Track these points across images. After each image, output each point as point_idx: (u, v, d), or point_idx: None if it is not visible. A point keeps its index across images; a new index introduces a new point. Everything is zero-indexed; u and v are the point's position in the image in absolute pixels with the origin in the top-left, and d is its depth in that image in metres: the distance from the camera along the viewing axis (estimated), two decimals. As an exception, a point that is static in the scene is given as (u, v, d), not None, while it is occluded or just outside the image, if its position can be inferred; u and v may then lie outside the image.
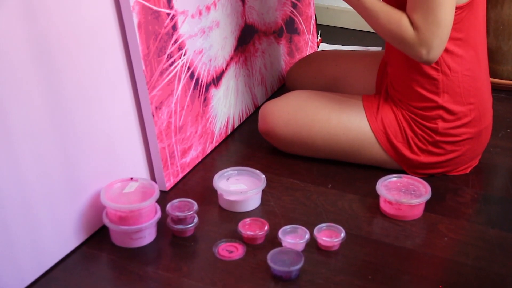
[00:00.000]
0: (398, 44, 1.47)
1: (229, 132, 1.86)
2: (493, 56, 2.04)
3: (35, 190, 1.29)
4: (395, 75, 1.62)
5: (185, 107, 1.63)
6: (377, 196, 1.54)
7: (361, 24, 2.11)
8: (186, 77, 1.62)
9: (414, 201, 1.49)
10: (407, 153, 1.60)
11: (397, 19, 1.44)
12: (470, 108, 1.56)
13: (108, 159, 1.47)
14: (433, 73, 1.53)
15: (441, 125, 1.56)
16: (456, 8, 1.43)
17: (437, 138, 1.57)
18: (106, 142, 1.46)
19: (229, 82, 1.82)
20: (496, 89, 2.00)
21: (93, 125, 1.42)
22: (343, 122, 1.64)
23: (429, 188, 1.52)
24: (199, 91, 1.68)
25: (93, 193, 1.44)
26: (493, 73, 1.95)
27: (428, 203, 1.52)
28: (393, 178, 1.56)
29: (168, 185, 1.61)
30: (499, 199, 1.60)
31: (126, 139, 1.52)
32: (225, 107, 1.81)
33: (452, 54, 1.51)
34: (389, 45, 1.60)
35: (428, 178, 1.62)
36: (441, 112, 1.56)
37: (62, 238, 1.38)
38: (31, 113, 1.26)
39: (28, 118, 1.25)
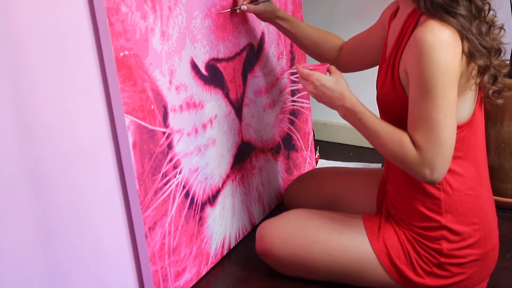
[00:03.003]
0: (400, 164, 1.44)
1: (225, 252, 1.80)
2: (495, 174, 2.01)
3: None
4: (395, 193, 1.59)
5: (180, 227, 1.58)
6: (381, 323, 1.46)
7: (360, 140, 2.10)
8: (181, 196, 1.58)
9: (421, 328, 1.41)
10: (411, 275, 1.54)
11: (399, 139, 1.42)
12: (474, 228, 1.52)
13: (97, 282, 1.43)
14: (434, 192, 1.50)
15: (445, 246, 1.51)
16: (457, 127, 1.42)
17: (442, 259, 1.51)
18: (96, 264, 1.41)
19: (225, 200, 1.78)
20: (500, 208, 1.95)
21: (83, 246, 1.38)
22: (343, 243, 1.59)
23: (436, 314, 1.45)
24: (194, 210, 1.64)
25: (79, 321, 1.37)
26: (496, 192, 1.91)
27: (435, 331, 1.44)
28: (398, 303, 1.49)
29: (160, 311, 1.53)
30: (511, 326, 1.52)
31: (117, 261, 1.47)
32: (221, 226, 1.77)
33: (453, 173, 1.48)
34: (389, 163, 1.58)
35: (434, 302, 1.54)
36: (444, 233, 1.51)
37: None
38: (20, 235, 1.23)
39: (17, 239, 1.22)
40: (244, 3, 1.75)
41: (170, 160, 1.54)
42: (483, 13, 1.40)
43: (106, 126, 1.42)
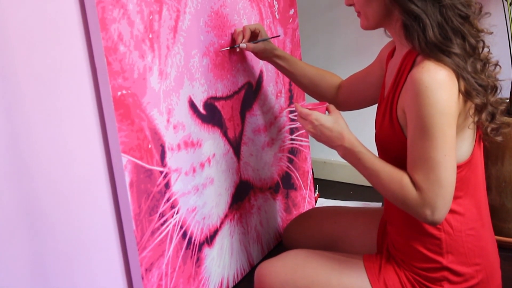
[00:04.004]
0: (401, 204, 1.43)
1: (223, 294, 1.77)
2: (497, 213, 1.99)
3: None
4: (396, 234, 1.57)
5: (177, 268, 1.56)
6: None
7: (359, 178, 2.08)
8: (178, 237, 1.56)
9: None
10: (412, 317, 1.51)
11: (399, 179, 1.41)
12: (476, 269, 1.50)
13: (91, 326, 1.38)
14: (435, 232, 1.48)
15: (447, 287, 1.48)
16: (456, 167, 1.40)
17: (444, 301, 1.49)
18: (91, 307, 1.38)
19: (224, 240, 1.76)
20: (502, 247, 1.93)
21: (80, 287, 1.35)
22: (344, 284, 1.56)
23: None
24: (192, 251, 1.62)
25: None
26: (498, 231, 1.89)
27: None
28: None
29: None
30: None
31: (113, 304, 1.44)
32: (219, 267, 1.74)
33: (454, 212, 1.47)
34: (389, 203, 1.57)
35: None
36: (446, 274, 1.49)
37: None
38: (16, 275, 1.22)
39: (13, 279, 1.21)
40: (243, 41, 1.76)
41: (168, 200, 1.52)
42: (477, 51, 1.40)
43: (103, 166, 1.40)
